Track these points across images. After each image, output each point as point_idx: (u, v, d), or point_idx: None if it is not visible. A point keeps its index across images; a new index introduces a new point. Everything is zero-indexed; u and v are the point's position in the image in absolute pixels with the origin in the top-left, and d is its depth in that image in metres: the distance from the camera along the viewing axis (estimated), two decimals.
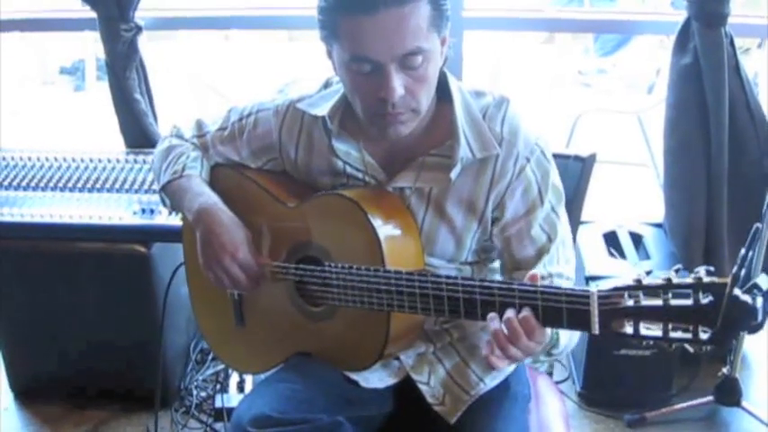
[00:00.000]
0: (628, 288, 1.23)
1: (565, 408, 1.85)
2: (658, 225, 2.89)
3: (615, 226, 2.88)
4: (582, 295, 1.26)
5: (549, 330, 1.37)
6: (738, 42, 2.52)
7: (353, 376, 1.62)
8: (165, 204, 1.79)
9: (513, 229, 1.55)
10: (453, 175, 1.51)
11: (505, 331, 1.32)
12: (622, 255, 2.73)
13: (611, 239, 2.81)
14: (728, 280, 1.16)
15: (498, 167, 1.52)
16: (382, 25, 1.35)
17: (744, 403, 2.48)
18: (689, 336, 1.19)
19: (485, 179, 1.53)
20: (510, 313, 1.32)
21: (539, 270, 1.52)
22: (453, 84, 1.54)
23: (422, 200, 1.56)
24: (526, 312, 1.31)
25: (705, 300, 1.17)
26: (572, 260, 1.62)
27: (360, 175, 1.60)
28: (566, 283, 1.55)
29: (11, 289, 2.51)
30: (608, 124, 4.51)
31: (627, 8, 6.12)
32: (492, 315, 1.34)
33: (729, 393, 2.48)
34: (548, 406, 1.81)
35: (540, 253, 1.55)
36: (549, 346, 1.45)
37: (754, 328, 2.96)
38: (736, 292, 1.15)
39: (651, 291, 1.21)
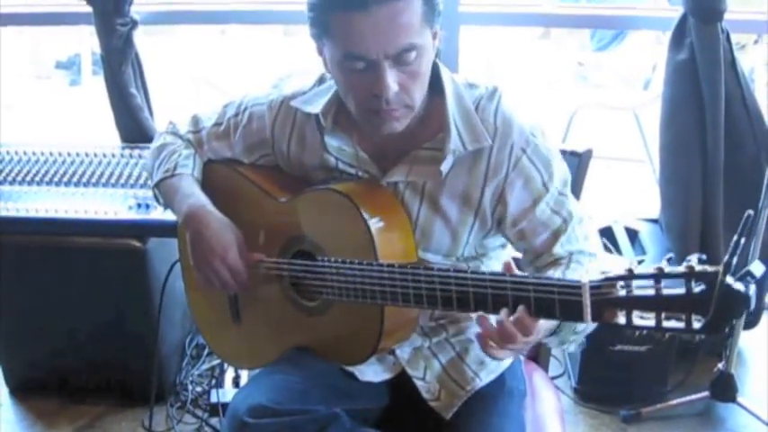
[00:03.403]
0: (619, 278, 1.21)
1: (560, 403, 1.84)
2: (654, 221, 2.89)
3: (611, 221, 2.88)
4: (573, 286, 1.25)
5: (543, 322, 1.35)
6: (735, 38, 2.52)
7: (349, 368, 1.62)
8: (158, 202, 1.79)
9: (525, 221, 1.54)
10: (444, 167, 1.50)
11: (499, 334, 1.31)
12: (618, 250, 2.73)
13: (608, 235, 2.81)
14: (720, 268, 1.14)
15: (492, 159, 1.51)
16: (375, 22, 1.33)
17: (739, 399, 2.48)
18: (682, 325, 1.17)
19: (479, 172, 1.52)
20: (503, 314, 1.31)
21: (557, 251, 1.53)
22: (446, 75, 1.53)
23: (416, 194, 1.55)
24: (519, 313, 1.30)
25: (697, 288, 1.16)
26: (591, 235, 1.61)
27: (352, 171, 1.59)
28: (588, 261, 1.54)
29: (5, 284, 2.50)
30: (604, 120, 4.52)
31: (623, 3, 6.12)
32: (479, 314, 1.34)
33: (725, 389, 2.47)
34: (543, 401, 1.80)
35: (557, 235, 1.54)
36: (557, 332, 1.44)
37: (750, 323, 2.95)
38: (729, 280, 1.14)
39: (643, 280, 1.19)
